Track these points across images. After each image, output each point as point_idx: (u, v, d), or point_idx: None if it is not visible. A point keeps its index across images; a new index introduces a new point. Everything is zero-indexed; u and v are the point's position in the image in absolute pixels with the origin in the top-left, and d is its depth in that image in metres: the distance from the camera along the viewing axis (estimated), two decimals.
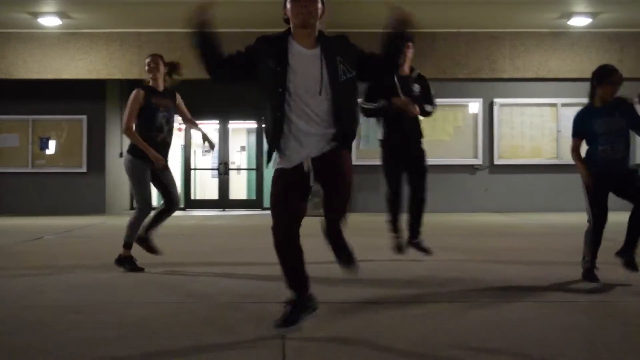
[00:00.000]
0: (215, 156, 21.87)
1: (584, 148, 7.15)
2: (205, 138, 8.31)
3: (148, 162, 7.74)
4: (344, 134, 4.76)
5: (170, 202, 7.96)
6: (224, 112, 21.40)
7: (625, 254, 7.00)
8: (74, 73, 18.17)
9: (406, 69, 8.67)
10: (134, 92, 7.86)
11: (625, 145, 7.10)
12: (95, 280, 7.26)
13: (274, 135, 4.75)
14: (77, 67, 18.17)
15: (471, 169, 18.83)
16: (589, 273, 6.96)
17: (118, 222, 15.42)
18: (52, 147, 19.57)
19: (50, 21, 17.16)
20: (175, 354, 4.35)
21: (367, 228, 12.49)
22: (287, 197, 4.67)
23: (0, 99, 19.35)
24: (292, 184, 4.70)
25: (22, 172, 19.43)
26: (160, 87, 7.99)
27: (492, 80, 18.58)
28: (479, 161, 18.81)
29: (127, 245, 7.80)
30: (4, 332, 4.97)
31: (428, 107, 8.68)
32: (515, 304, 5.97)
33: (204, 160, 22.95)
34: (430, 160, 18.52)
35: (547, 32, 18.29)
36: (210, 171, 22.78)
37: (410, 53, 8.61)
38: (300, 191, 4.74)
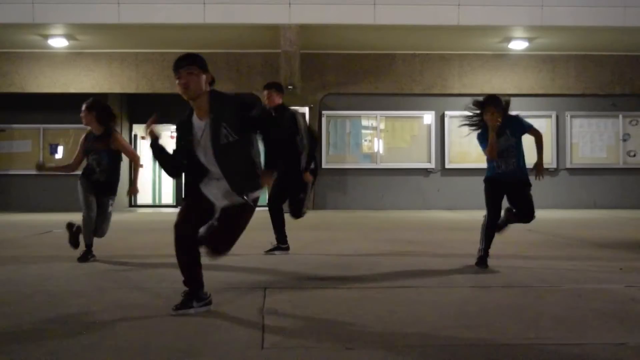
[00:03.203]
0: None
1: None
2: (132, 183, 8.19)
3: (85, 190, 7.81)
4: (238, 187, 4.91)
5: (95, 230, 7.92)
6: None
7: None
8: (80, 87, 18.11)
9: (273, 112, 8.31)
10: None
11: (517, 157, 7.24)
12: (97, 268, 7.23)
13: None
14: (82, 82, 18.10)
15: (425, 172, 18.90)
16: (482, 260, 7.24)
17: (117, 218, 15.33)
18: (60, 153, 19.46)
19: (58, 42, 17.09)
20: (165, 332, 4.36)
21: (337, 223, 12.53)
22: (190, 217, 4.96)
23: (14, 110, 19.22)
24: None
25: (34, 174, 19.27)
26: (97, 132, 7.99)
27: (444, 95, 18.72)
28: (432, 165, 18.89)
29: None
30: (17, 313, 4.95)
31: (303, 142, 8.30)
32: (459, 288, 6.01)
33: None
34: (390, 165, 18.67)
35: (491, 54, 18.47)
36: None
37: (276, 98, 8.46)
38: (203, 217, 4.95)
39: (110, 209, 7.95)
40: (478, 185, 20.53)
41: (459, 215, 16.06)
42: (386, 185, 18.69)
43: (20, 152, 19.39)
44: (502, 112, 7.19)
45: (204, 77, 4.86)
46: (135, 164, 8.12)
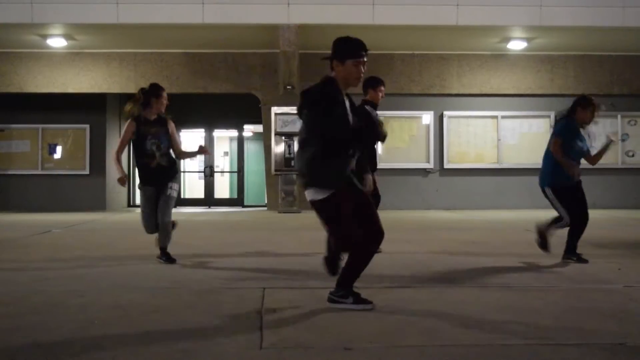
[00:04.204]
0: (202, 160, 21.89)
1: None
2: (200, 151, 7.82)
3: (146, 186, 7.53)
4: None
5: (157, 220, 7.60)
6: (210, 122, 21.40)
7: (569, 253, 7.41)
8: (78, 87, 18.11)
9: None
10: (127, 123, 7.60)
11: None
12: (97, 268, 7.22)
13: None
14: (81, 82, 18.09)
15: (424, 172, 18.90)
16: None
17: (116, 218, 15.35)
18: (59, 152, 19.45)
19: (57, 42, 17.08)
20: (163, 332, 4.35)
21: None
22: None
23: (14, 110, 19.22)
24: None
25: (33, 174, 19.30)
26: (152, 117, 7.58)
27: (442, 95, 18.71)
28: (430, 165, 18.89)
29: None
30: (17, 313, 4.95)
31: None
32: (458, 288, 6.01)
33: (192, 164, 22.91)
34: (389, 165, 18.64)
35: (489, 54, 18.47)
36: (197, 174, 22.70)
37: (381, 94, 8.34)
38: None
39: (170, 192, 7.53)
40: (476, 185, 20.59)
41: (458, 215, 16.06)
42: (385, 185, 18.59)
43: (19, 152, 19.39)
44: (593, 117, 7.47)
45: None
46: (180, 156, 7.86)
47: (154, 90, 7.61)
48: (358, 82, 5.07)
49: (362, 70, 5.05)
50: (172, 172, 7.61)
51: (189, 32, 16.34)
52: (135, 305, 5.19)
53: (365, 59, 5.06)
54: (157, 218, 7.53)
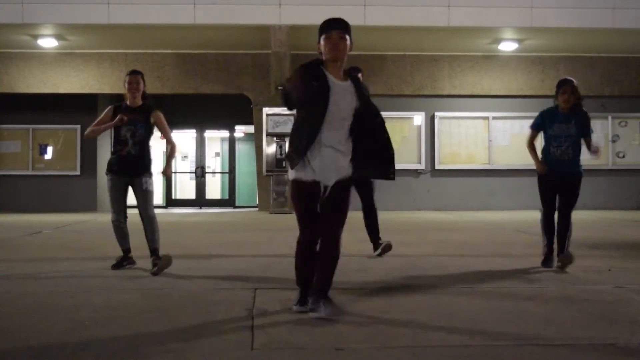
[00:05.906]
0: (193, 161, 21.86)
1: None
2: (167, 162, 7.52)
3: (117, 175, 7.19)
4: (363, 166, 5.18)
5: (141, 217, 7.31)
6: (201, 123, 21.37)
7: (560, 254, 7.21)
8: (69, 88, 18.06)
9: None
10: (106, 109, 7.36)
11: (574, 149, 7.22)
12: (88, 269, 7.20)
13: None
14: (72, 82, 18.04)
15: (415, 173, 18.90)
16: (546, 259, 7.17)
17: (108, 218, 15.29)
18: (49, 153, 19.40)
19: (48, 42, 17.04)
20: (154, 333, 4.34)
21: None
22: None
23: (4, 111, 19.15)
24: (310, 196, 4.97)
25: (24, 174, 19.24)
26: (136, 104, 7.35)
27: (434, 96, 18.73)
28: (422, 166, 18.90)
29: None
30: (7, 314, 4.93)
31: None
32: (451, 289, 6.02)
33: (183, 165, 22.88)
34: None
35: (480, 55, 18.51)
36: (188, 174, 22.66)
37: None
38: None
39: (146, 186, 7.11)
40: (468, 186, 20.56)
41: (449, 216, 16.08)
42: (376, 186, 18.68)
43: (9, 153, 19.33)
44: (574, 97, 7.24)
45: (349, 45, 5.04)
46: (172, 149, 7.43)
47: (127, 73, 7.51)
48: (333, 55, 4.92)
49: (335, 43, 4.94)
50: (142, 163, 7.21)
51: (181, 32, 16.31)
52: (126, 306, 5.18)
53: (336, 34, 4.98)
54: (125, 208, 7.27)
